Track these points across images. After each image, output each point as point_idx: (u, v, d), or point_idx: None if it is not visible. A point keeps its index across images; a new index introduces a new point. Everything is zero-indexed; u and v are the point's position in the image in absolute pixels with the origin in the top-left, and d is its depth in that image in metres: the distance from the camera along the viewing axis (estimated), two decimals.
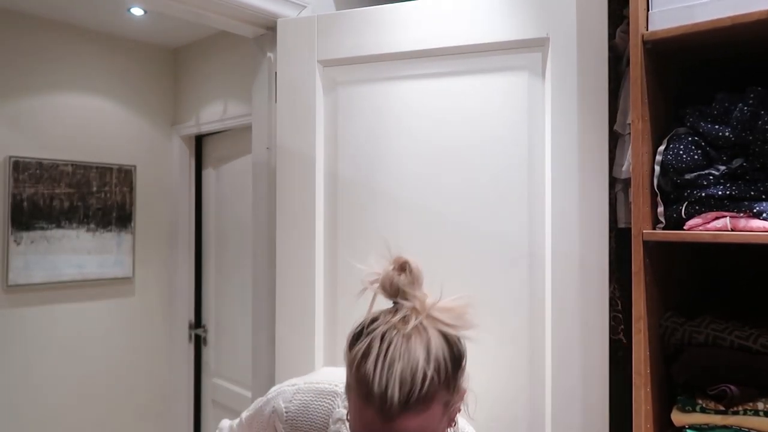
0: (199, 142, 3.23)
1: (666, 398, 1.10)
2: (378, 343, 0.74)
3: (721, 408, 0.98)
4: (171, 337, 3.18)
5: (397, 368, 0.71)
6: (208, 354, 3.14)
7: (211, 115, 2.97)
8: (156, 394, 3.13)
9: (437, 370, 0.73)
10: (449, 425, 0.83)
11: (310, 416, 1.03)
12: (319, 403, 1.04)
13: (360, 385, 0.75)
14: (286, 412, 1.02)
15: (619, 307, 1.33)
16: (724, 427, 0.98)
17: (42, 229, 2.71)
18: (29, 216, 2.67)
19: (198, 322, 3.21)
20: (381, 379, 0.72)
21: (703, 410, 1.00)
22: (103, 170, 2.92)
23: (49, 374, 2.74)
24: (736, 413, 0.97)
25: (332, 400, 1.03)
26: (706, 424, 0.99)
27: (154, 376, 3.12)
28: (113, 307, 2.97)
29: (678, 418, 1.03)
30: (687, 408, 1.02)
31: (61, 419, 2.76)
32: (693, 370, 1.03)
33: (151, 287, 3.11)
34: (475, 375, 1.27)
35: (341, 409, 1.01)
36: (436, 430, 0.77)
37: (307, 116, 1.44)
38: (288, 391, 1.05)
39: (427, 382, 0.72)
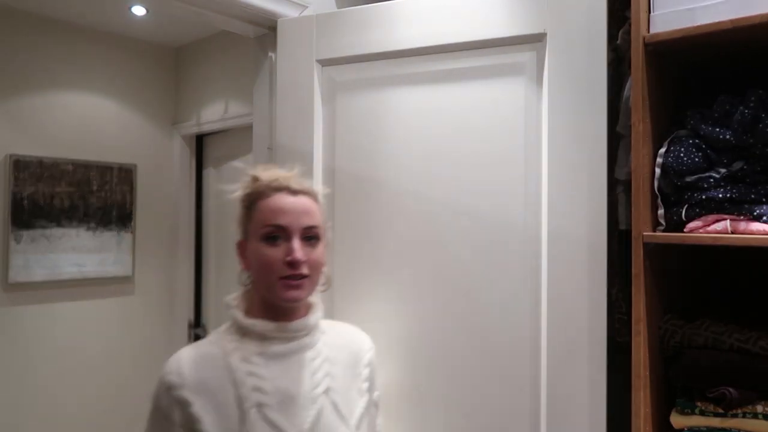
0: (200, 141, 3.23)
1: (665, 401, 1.10)
2: None
3: (720, 411, 0.98)
4: (171, 336, 3.17)
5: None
6: None
7: (212, 115, 2.97)
8: None
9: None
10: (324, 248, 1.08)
11: (206, 362, 1.01)
12: (206, 348, 1.05)
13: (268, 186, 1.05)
14: (180, 375, 0.98)
15: (624, 310, 1.32)
16: (723, 429, 0.98)
17: (42, 227, 2.71)
18: (29, 214, 2.67)
19: (198, 322, 3.20)
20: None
21: (702, 413, 1.00)
22: (104, 169, 2.92)
23: (48, 372, 2.74)
24: (735, 416, 0.97)
25: (214, 338, 1.07)
26: (706, 427, 0.99)
27: (153, 375, 3.10)
28: (113, 306, 2.97)
29: (677, 420, 1.03)
30: (686, 410, 1.02)
31: (60, 417, 2.76)
32: (692, 373, 1.03)
33: (151, 286, 3.11)
34: (469, 364, 1.27)
35: (226, 328, 1.07)
36: (321, 224, 1.06)
37: (305, 116, 1.44)
38: (167, 366, 1.02)
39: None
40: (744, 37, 1.00)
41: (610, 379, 1.16)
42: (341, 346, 1.12)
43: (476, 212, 1.29)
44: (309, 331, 1.07)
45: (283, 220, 1.02)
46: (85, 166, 2.86)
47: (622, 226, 1.28)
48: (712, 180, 1.00)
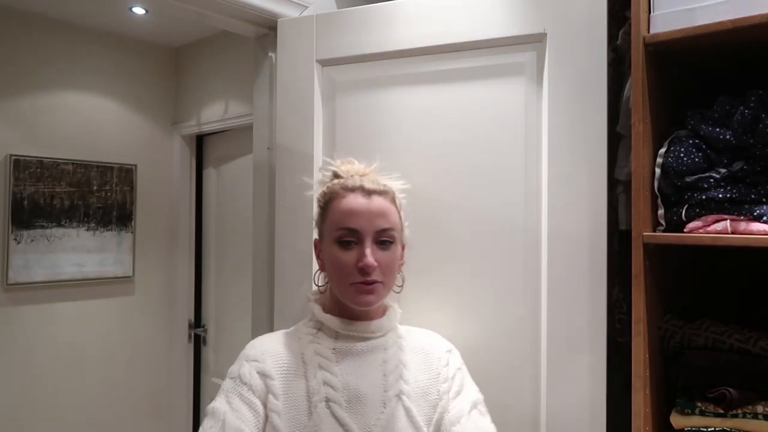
0: (200, 141, 3.24)
1: (665, 401, 1.10)
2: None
3: (720, 411, 0.98)
4: (171, 336, 3.18)
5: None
6: (208, 354, 3.14)
7: (212, 115, 2.97)
8: (155, 394, 3.13)
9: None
10: (401, 252, 1.08)
11: (284, 350, 1.03)
12: (284, 337, 1.07)
13: (341, 188, 1.03)
14: (263, 354, 1.01)
15: (624, 310, 1.32)
16: (723, 430, 0.98)
17: (42, 227, 2.71)
18: (29, 214, 2.67)
19: (198, 322, 3.21)
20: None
21: (702, 413, 1.00)
22: (104, 169, 2.93)
23: (48, 373, 2.74)
24: (735, 416, 0.97)
25: (293, 330, 1.09)
26: (705, 427, 0.99)
27: (153, 375, 3.12)
28: (113, 306, 2.97)
29: (677, 420, 1.03)
30: (686, 411, 1.02)
31: (60, 417, 2.76)
32: (692, 373, 1.03)
33: (151, 286, 3.11)
34: (467, 364, 1.27)
35: (305, 321, 1.10)
36: (396, 226, 1.04)
37: (305, 116, 1.44)
38: (249, 347, 1.04)
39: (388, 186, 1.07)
40: (744, 37, 1.00)
41: (610, 379, 1.16)
42: (417, 351, 1.09)
43: (476, 212, 1.29)
44: (384, 332, 1.06)
45: (355, 224, 1.00)
46: (85, 166, 2.86)
47: (622, 226, 1.28)
48: (712, 180, 1.00)
